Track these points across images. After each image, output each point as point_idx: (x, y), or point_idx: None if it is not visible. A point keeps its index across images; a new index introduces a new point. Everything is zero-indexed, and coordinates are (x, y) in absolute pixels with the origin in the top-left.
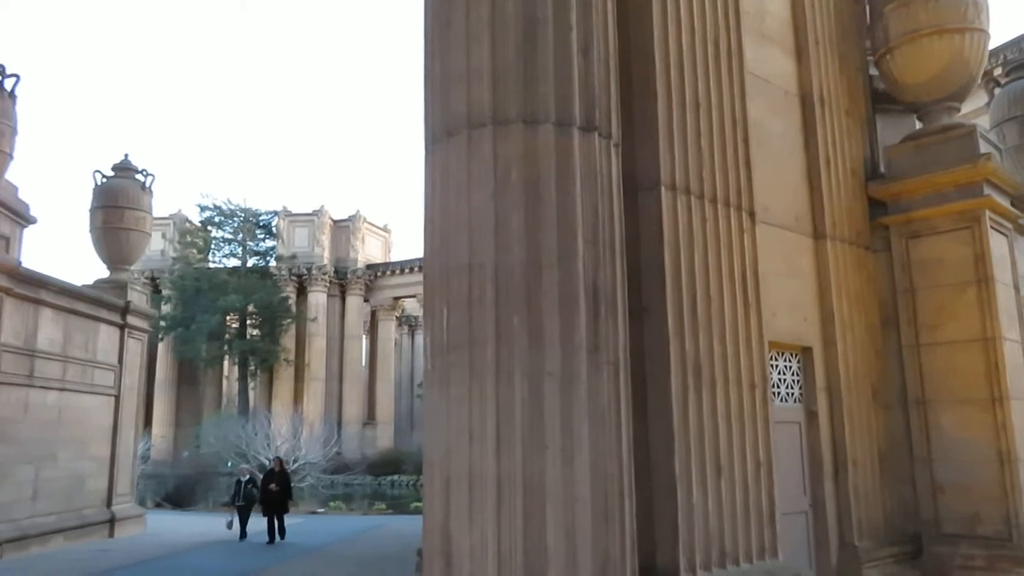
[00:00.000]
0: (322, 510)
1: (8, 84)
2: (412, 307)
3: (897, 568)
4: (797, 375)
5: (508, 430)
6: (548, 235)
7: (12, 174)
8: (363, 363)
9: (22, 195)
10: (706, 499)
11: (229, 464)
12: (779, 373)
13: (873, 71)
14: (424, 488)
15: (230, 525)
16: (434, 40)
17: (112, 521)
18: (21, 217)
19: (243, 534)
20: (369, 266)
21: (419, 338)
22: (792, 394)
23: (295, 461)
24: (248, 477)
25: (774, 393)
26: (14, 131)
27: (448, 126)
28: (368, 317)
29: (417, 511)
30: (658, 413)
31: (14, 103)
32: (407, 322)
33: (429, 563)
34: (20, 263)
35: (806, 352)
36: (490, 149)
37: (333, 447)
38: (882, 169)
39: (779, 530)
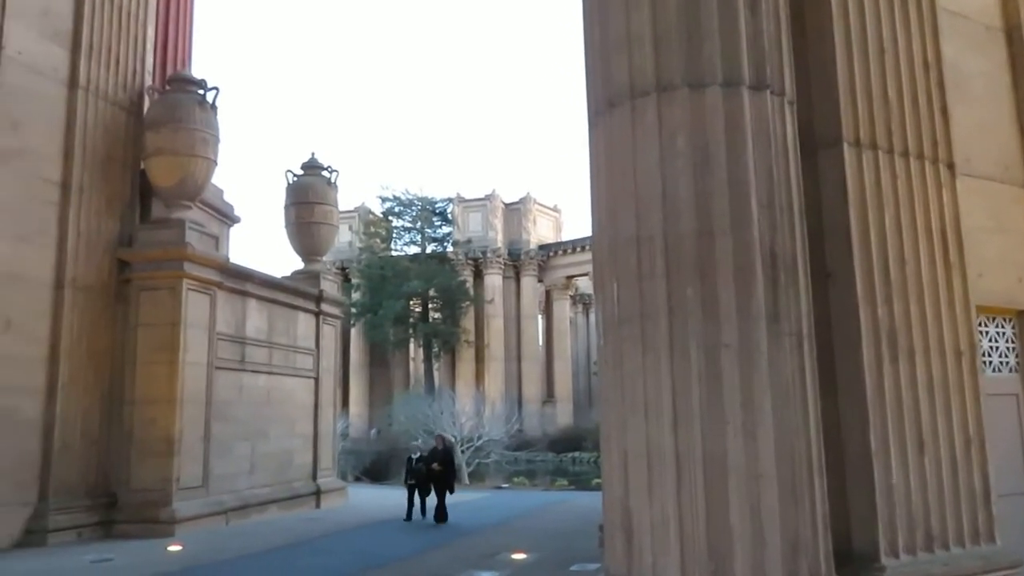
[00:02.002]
0: (506, 485)
1: (209, 97)
2: (585, 285)
3: None
4: (1012, 342)
5: (685, 405)
6: (719, 202)
7: (216, 178)
8: (540, 342)
9: (226, 197)
10: (907, 478)
11: (419, 440)
12: (990, 340)
13: None
14: (602, 464)
15: (410, 503)
16: (592, 10)
17: (318, 493)
18: (227, 217)
19: (415, 511)
20: (541, 246)
21: (593, 316)
22: (1007, 363)
23: (479, 438)
24: (419, 454)
25: (985, 362)
26: (216, 139)
27: (610, 97)
28: (543, 297)
29: (599, 487)
30: (849, 385)
31: (215, 114)
32: (581, 300)
33: (610, 538)
34: (228, 259)
35: (1021, 316)
36: (655, 117)
37: (514, 424)
38: None
39: (996, 513)
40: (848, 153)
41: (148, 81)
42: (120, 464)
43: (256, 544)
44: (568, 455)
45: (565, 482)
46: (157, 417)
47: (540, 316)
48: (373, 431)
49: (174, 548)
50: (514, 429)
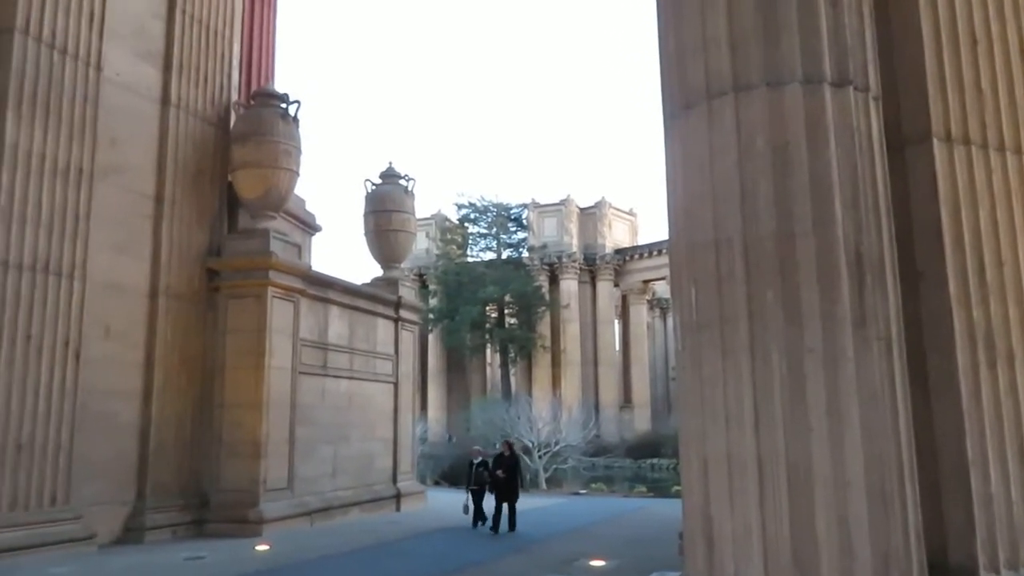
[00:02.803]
0: (583, 491)
1: (291, 110)
2: (662, 289)
3: None
4: None
5: (767, 411)
6: (801, 202)
7: (298, 189)
8: (616, 347)
9: (308, 207)
10: (1008, 488)
11: (496, 446)
12: None
13: None
14: (682, 471)
15: (466, 509)
16: (667, 12)
17: (398, 496)
18: (309, 227)
19: (479, 518)
20: (617, 251)
21: (671, 320)
22: None
23: (556, 443)
24: (480, 460)
25: None
26: (298, 151)
27: (686, 99)
28: (619, 302)
29: (678, 494)
30: (942, 391)
31: (297, 126)
32: (658, 305)
33: (691, 546)
34: (311, 267)
35: None
36: (732, 117)
37: (591, 430)
38: None
39: None
40: (939, 149)
41: (234, 97)
42: (210, 465)
43: (339, 545)
44: (646, 461)
45: (643, 489)
46: (244, 420)
47: (616, 321)
48: (449, 437)
49: (262, 547)
50: (591, 435)
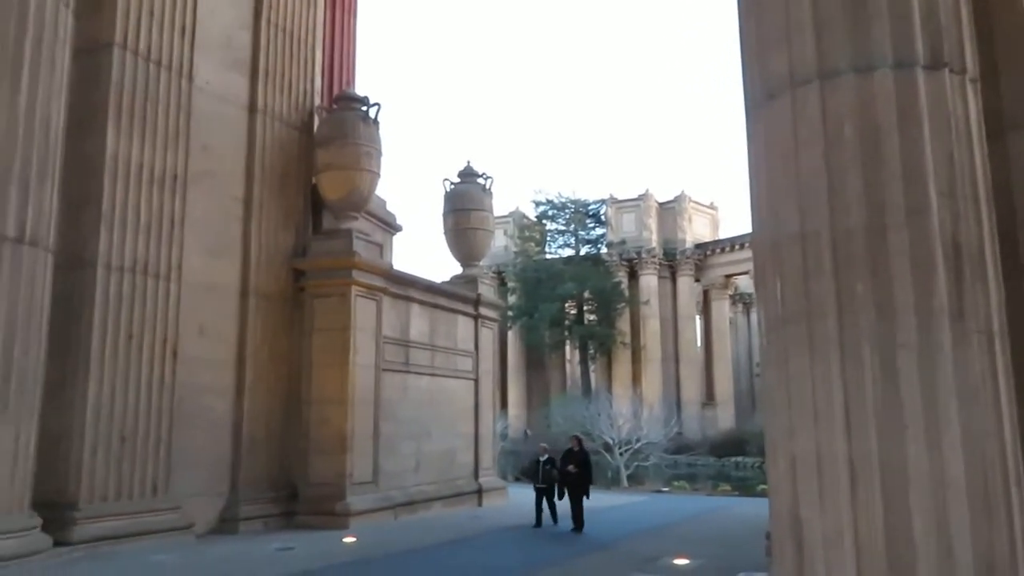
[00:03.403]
0: (666, 489)
1: (372, 112)
2: (745, 284)
3: None
4: None
5: (858, 408)
6: (892, 192)
7: (379, 189)
8: (698, 344)
9: (389, 207)
10: None
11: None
12: None
13: None
14: (768, 470)
15: (542, 509)
16: (748, 2)
17: (480, 492)
18: (390, 226)
19: (542, 518)
20: (697, 245)
21: (755, 316)
22: None
23: (637, 441)
24: (547, 457)
25: None
26: (379, 152)
27: (769, 88)
28: (700, 297)
29: (764, 494)
30: None
31: (377, 128)
32: (741, 300)
33: (779, 548)
34: (392, 266)
35: None
36: (817, 106)
37: (673, 427)
38: None
39: None
40: None
41: (317, 101)
42: (299, 459)
43: (423, 539)
44: (730, 459)
45: (728, 487)
46: (331, 416)
47: (698, 317)
48: (525, 433)
49: (349, 540)
50: (673, 432)
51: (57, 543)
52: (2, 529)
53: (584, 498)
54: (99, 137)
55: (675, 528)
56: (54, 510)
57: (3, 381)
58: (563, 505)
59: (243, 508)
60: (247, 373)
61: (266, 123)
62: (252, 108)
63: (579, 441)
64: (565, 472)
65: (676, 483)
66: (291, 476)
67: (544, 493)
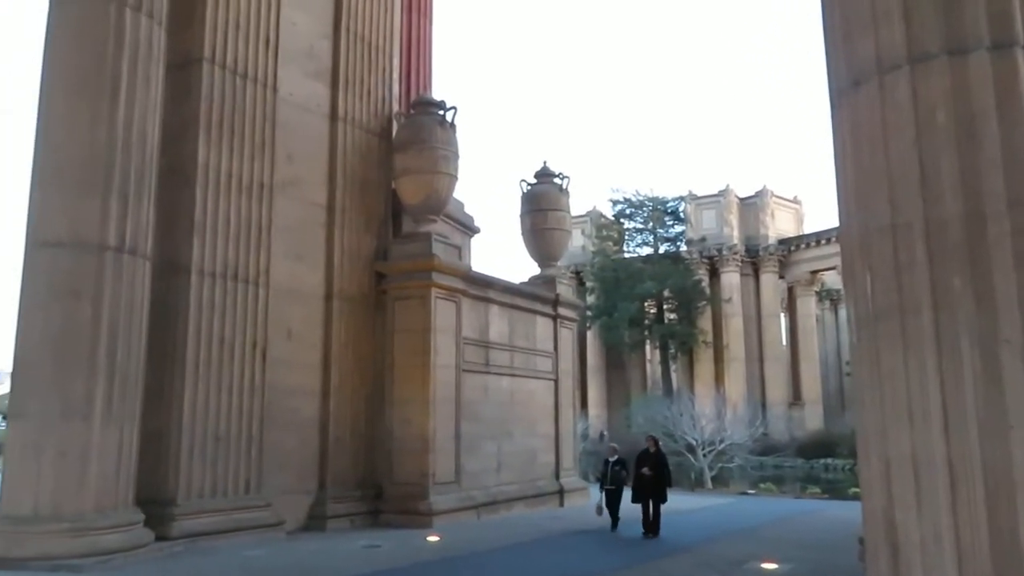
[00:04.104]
0: (752, 491)
1: (448, 116)
2: (832, 280)
3: None
4: None
5: (957, 407)
6: (991, 180)
7: (457, 192)
8: (783, 342)
9: (467, 209)
10: None
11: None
12: None
13: None
14: (860, 472)
15: (599, 511)
16: None
17: (561, 492)
18: (468, 228)
19: (615, 522)
20: (781, 241)
21: (843, 312)
22: None
23: (721, 442)
24: (616, 457)
25: None
26: (456, 155)
27: (855, 75)
28: (784, 294)
29: (855, 496)
30: None
31: (454, 132)
32: (827, 296)
33: (873, 552)
34: (471, 268)
35: None
36: (907, 92)
37: (758, 428)
38: None
39: None
40: None
41: (395, 107)
42: (383, 459)
43: (505, 538)
44: (819, 461)
45: (817, 490)
46: (413, 416)
47: (783, 314)
48: (601, 433)
49: (433, 538)
50: (758, 433)
51: (158, 538)
52: (109, 524)
53: (661, 501)
54: (191, 149)
55: (762, 531)
56: (155, 506)
57: (108, 383)
58: (629, 509)
59: (331, 506)
60: (332, 374)
61: (347, 130)
62: (333, 116)
63: (655, 442)
64: (639, 475)
65: (762, 485)
66: (376, 475)
67: (613, 495)
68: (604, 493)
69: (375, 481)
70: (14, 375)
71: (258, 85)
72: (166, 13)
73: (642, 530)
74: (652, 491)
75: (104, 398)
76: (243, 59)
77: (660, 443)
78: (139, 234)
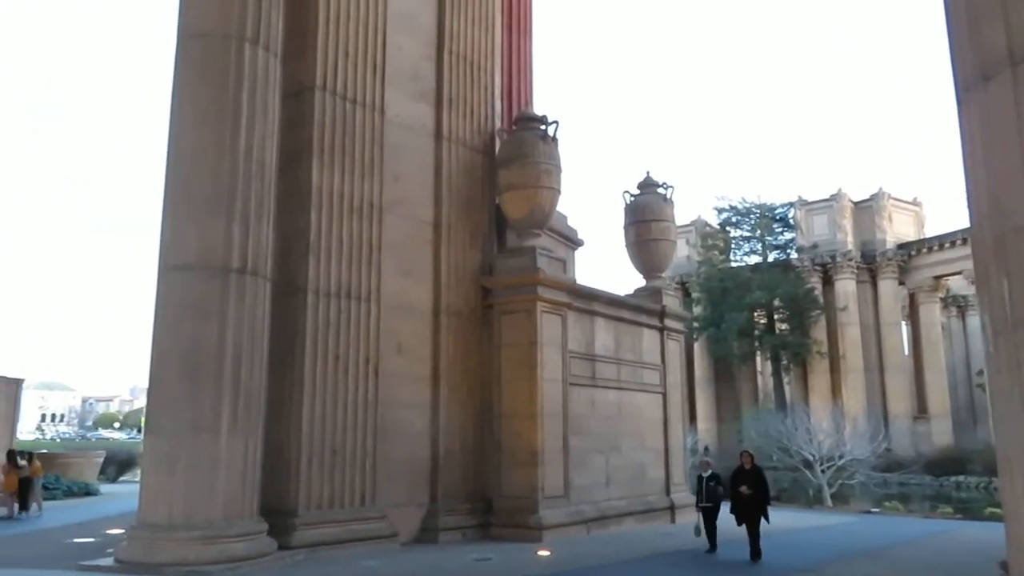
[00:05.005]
0: (876, 510)
1: (550, 130)
2: (958, 285)
3: None
4: None
5: None
6: None
7: (560, 205)
8: (905, 351)
9: (569, 222)
10: None
11: (773, 458)
12: None
13: None
14: (1002, 491)
15: (698, 531)
16: None
17: (672, 508)
18: (572, 241)
19: (712, 544)
20: (900, 245)
21: (972, 319)
22: None
23: (840, 457)
24: (710, 473)
25: None
26: (559, 169)
27: (983, 69)
28: (905, 301)
29: (993, 517)
30: None
31: (556, 146)
32: (954, 303)
33: None
34: (575, 281)
35: None
36: None
37: (881, 443)
38: None
39: None
40: None
41: (497, 124)
42: (492, 472)
43: (617, 554)
44: (949, 479)
45: (949, 509)
46: (521, 430)
47: (904, 322)
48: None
49: (543, 553)
50: (881, 448)
51: (280, 547)
52: (236, 532)
53: (760, 521)
54: (305, 173)
55: (889, 553)
56: (277, 516)
57: (233, 398)
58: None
59: (442, 519)
60: (441, 388)
61: (451, 148)
62: (438, 135)
63: (751, 458)
64: (736, 494)
65: (887, 503)
66: (485, 488)
67: (709, 513)
68: (700, 512)
69: (484, 494)
70: (150, 391)
71: (367, 109)
72: (281, 45)
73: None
74: (752, 511)
75: (230, 413)
76: (352, 85)
77: (755, 458)
78: (260, 256)
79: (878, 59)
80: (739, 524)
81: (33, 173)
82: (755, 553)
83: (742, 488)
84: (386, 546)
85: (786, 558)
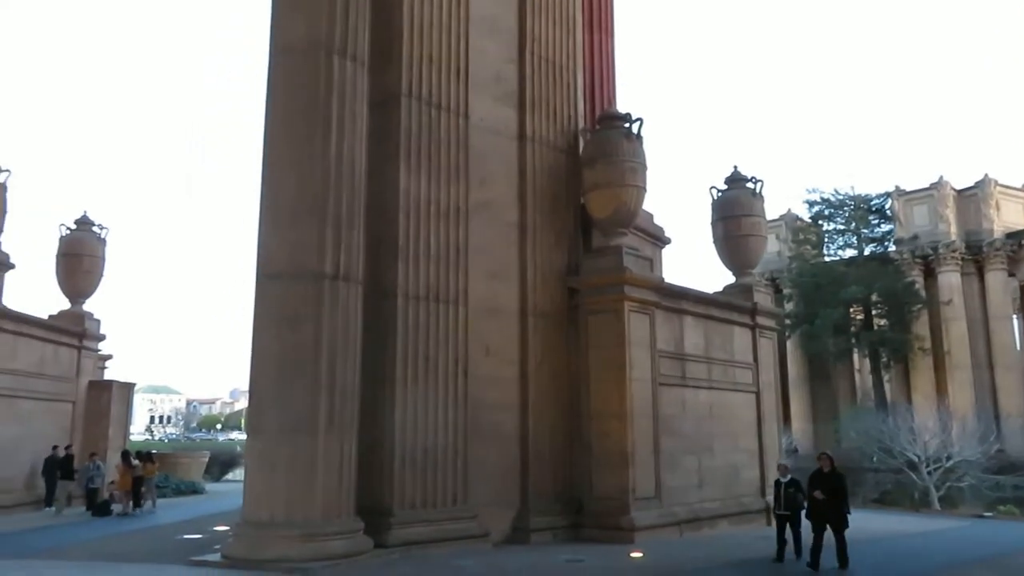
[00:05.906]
0: (989, 514)
1: (634, 128)
2: None
3: None
4: None
5: None
6: None
7: (646, 203)
8: (1017, 347)
9: (656, 220)
10: None
11: (874, 459)
12: None
13: None
14: None
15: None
16: None
17: (768, 510)
18: (658, 239)
19: (784, 551)
20: (1009, 235)
21: None
22: None
23: (947, 458)
24: (788, 478)
25: None
26: (644, 167)
27: None
28: (1016, 293)
29: None
30: None
31: (641, 143)
32: None
33: None
34: (663, 279)
35: None
36: None
37: (992, 443)
38: None
39: None
40: None
41: (581, 123)
42: (582, 473)
43: (712, 557)
44: None
45: None
46: (610, 431)
47: (1015, 316)
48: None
49: (636, 555)
50: (992, 449)
51: (376, 545)
52: (334, 530)
53: (842, 528)
54: (392, 178)
55: (1009, 561)
56: (372, 515)
57: (329, 399)
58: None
59: (533, 519)
60: (530, 389)
61: (535, 150)
62: (521, 137)
63: (830, 460)
64: (811, 498)
65: (1001, 508)
66: (575, 489)
67: (787, 520)
68: (777, 518)
69: (574, 495)
70: (251, 394)
71: (451, 114)
72: (367, 54)
73: (807, 559)
74: (828, 517)
75: (326, 414)
76: (437, 90)
77: (835, 461)
78: (351, 262)
79: (979, 40)
80: (813, 531)
81: (142, 182)
82: (840, 561)
83: (815, 493)
84: (478, 546)
85: (893, 566)
